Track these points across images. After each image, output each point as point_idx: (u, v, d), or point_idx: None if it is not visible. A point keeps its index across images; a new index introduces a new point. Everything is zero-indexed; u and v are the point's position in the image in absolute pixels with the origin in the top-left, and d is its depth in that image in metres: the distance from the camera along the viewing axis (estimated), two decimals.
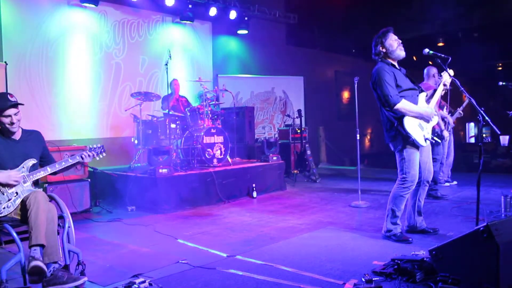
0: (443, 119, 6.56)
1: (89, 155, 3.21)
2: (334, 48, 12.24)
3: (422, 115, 3.88)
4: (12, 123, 3.05)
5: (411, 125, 3.80)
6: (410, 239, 3.88)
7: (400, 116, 3.79)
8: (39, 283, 2.74)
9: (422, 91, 4.03)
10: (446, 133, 6.32)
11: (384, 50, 3.93)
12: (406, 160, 3.86)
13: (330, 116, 12.28)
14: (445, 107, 6.70)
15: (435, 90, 4.17)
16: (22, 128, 3.20)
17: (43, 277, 2.73)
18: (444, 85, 4.12)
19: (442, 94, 6.59)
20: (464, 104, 6.91)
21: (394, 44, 3.91)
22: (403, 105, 3.77)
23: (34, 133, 3.32)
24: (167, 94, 7.12)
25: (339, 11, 10.55)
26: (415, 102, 3.90)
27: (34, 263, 2.65)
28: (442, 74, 4.15)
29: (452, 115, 6.76)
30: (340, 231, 4.42)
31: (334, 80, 12.97)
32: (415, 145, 3.84)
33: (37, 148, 3.24)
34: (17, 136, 3.16)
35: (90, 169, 5.93)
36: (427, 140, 3.88)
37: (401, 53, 3.94)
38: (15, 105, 3.06)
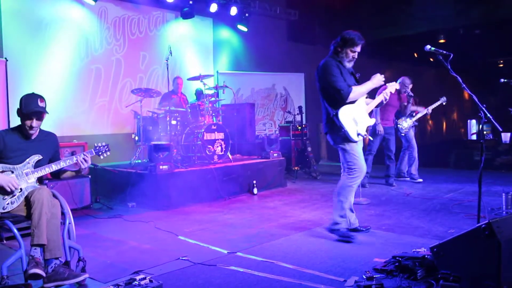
0: (411, 113, 6.94)
1: (85, 160, 3.30)
2: None
3: (370, 89, 3.89)
4: (31, 127, 3.09)
5: (345, 118, 3.80)
6: (352, 237, 3.84)
7: (338, 107, 3.80)
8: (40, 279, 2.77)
9: None
10: (380, 127, 6.66)
11: (340, 50, 3.92)
12: (349, 151, 3.87)
13: None
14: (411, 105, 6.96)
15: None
16: (40, 128, 3.22)
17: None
18: (386, 94, 4.10)
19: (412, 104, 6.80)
20: (433, 105, 7.08)
21: (349, 55, 3.90)
22: (354, 91, 3.79)
23: (50, 135, 3.35)
24: (167, 92, 7.09)
25: (340, 7, 10.51)
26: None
27: (33, 271, 2.69)
28: (387, 84, 4.15)
29: (411, 118, 6.99)
30: None
31: None
32: (348, 138, 3.81)
33: (49, 150, 3.27)
34: (33, 135, 3.18)
35: (91, 166, 5.88)
36: (359, 136, 3.86)
37: (347, 65, 3.95)
38: (40, 112, 3.09)
